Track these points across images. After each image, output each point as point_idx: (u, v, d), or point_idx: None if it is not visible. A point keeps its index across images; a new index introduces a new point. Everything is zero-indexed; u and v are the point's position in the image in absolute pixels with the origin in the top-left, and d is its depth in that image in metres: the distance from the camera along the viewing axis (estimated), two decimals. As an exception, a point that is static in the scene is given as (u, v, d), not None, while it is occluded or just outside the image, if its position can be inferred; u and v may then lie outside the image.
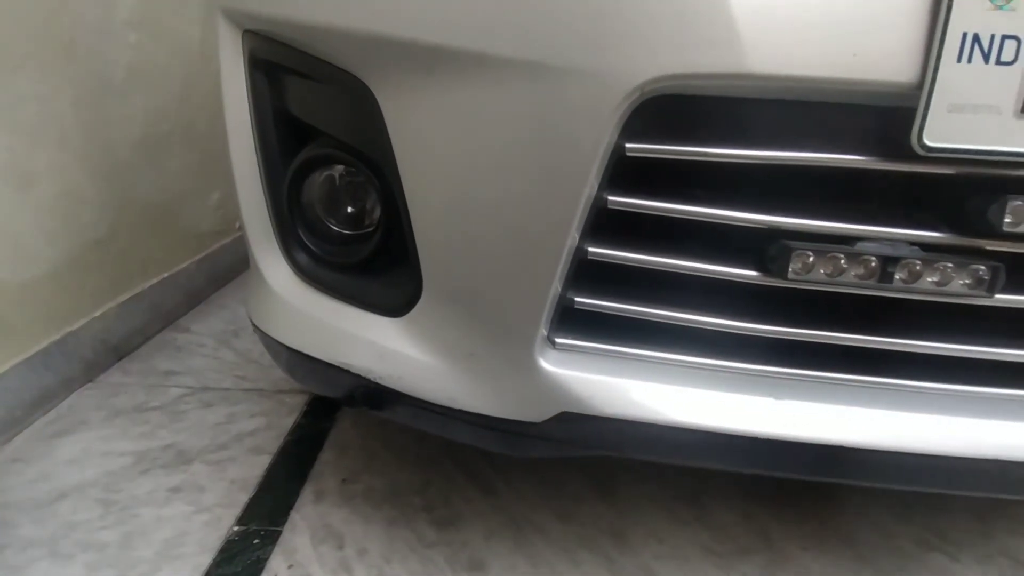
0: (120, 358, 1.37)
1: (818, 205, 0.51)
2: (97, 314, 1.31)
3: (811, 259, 0.50)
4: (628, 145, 0.51)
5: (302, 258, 0.71)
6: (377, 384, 0.66)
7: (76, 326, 1.26)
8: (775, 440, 0.53)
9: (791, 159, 0.49)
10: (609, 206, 0.53)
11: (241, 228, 1.93)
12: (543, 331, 0.58)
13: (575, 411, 0.57)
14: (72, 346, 1.24)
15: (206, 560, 0.86)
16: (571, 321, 0.60)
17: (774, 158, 0.50)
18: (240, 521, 0.93)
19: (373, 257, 0.68)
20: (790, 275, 0.50)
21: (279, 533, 0.91)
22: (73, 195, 1.25)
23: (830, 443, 0.53)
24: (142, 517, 0.93)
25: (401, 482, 1.02)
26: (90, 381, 1.28)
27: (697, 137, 0.51)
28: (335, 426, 1.17)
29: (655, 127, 0.51)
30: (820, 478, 0.61)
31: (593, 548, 0.91)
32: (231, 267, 1.85)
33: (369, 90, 0.59)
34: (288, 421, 1.18)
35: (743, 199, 0.52)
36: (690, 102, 0.49)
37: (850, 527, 0.98)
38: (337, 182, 0.72)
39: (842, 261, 0.50)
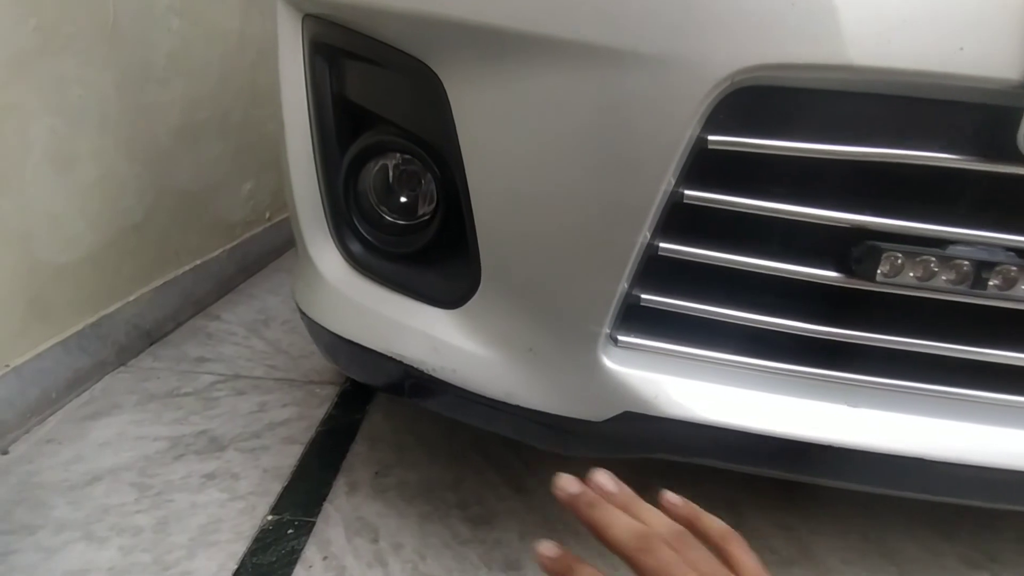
0: (152, 343, 1.38)
1: (909, 205, 0.49)
2: (131, 298, 1.32)
3: (900, 261, 0.48)
4: (711, 138, 0.49)
5: (355, 247, 0.70)
6: (430, 376, 0.64)
7: (111, 309, 1.26)
8: (851, 450, 0.51)
9: (884, 156, 0.47)
10: (685, 201, 0.51)
11: (271, 219, 1.94)
12: (606, 328, 0.57)
13: (638, 411, 0.56)
14: (106, 329, 1.25)
15: (241, 548, 0.85)
16: (633, 319, 0.59)
17: (865, 155, 0.48)
18: (274, 510, 0.92)
19: (429, 247, 0.67)
20: (878, 278, 0.48)
21: (313, 524, 0.90)
22: (113, 179, 1.25)
23: (913, 455, 0.51)
24: (176, 503, 0.93)
25: (433, 477, 1.01)
26: (122, 365, 1.29)
27: (781, 131, 0.49)
28: (366, 418, 1.16)
29: (738, 120, 0.49)
30: (904, 492, 0.59)
31: (630, 553, 0.89)
32: (260, 257, 1.86)
33: (436, 76, 0.57)
34: (319, 412, 1.17)
35: (828, 197, 0.50)
36: (777, 94, 0.48)
37: (894, 543, 0.95)
38: (391, 171, 0.71)
39: (933, 265, 0.48)
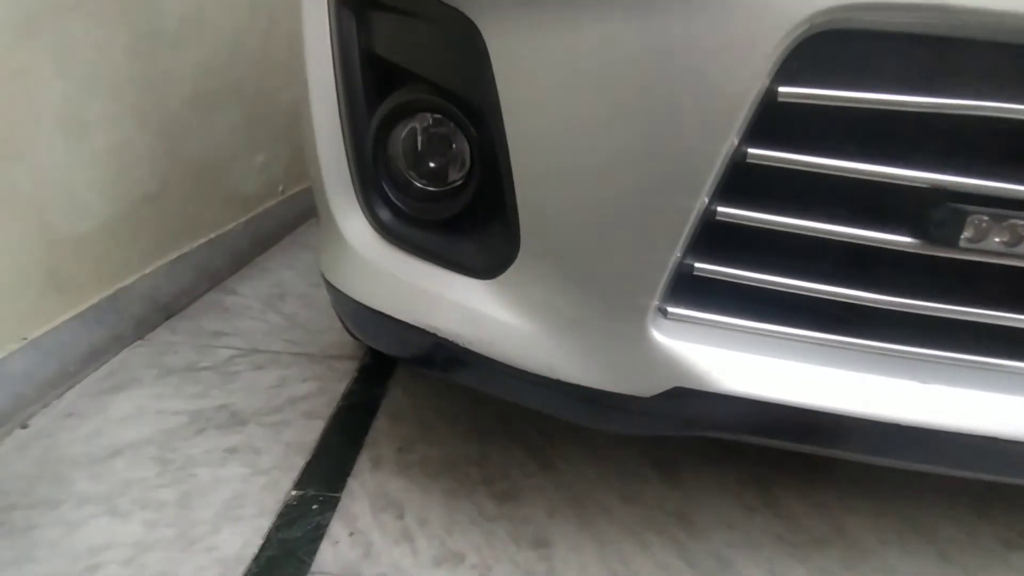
0: (168, 317, 1.36)
1: (996, 165, 0.45)
2: (147, 271, 1.30)
3: (986, 225, 0.44)
4: (782, 89, 0.45)
5: (384, 214, 0.67)
6: (465, 348, 0.62)
7: (127, 282, 1.24)
8: (923, 429, 0.48)
9: (975, 109, 0.43)
10: (748, 160, 0.47)
11: (284, 192, 1.90)
12: (656, 300, 0.53)
13: (690, 387, 0.53)
14: (123, 302, 1.23)
15: (266, 523, 0.84)
16: (684, 289, 0.55)
17: (954, 107, 0.44)
18: (298, 485, 0.91)
19: (463, 214, 0.63)
20: (961, 243, 0.45)
21: (337, 499, 0.89)
22: (126, 148, 1.22)
23: (990, 435, 0.48)
24: (199, 477, 0.91)
25: (457, 453, 1.00)
26: (140, 339, 1.27)
27: (860, 82, 0.45)
28: (387, 394, 1.14)
29: (813, 69, 0.45)
30: (979, 474, 0.56)
31: (661, 531, 0.87)
32: (275, 231, 1.83)
33: (475, 27, 0.53)
34: (340, 387, 1.15)
35: (904, 156, 0.46)
36: (857, 39, 0.43)
37: (931, 522, 0.93)
38: (420, 134, 0.67)
39: (1021, 229, 0.44)
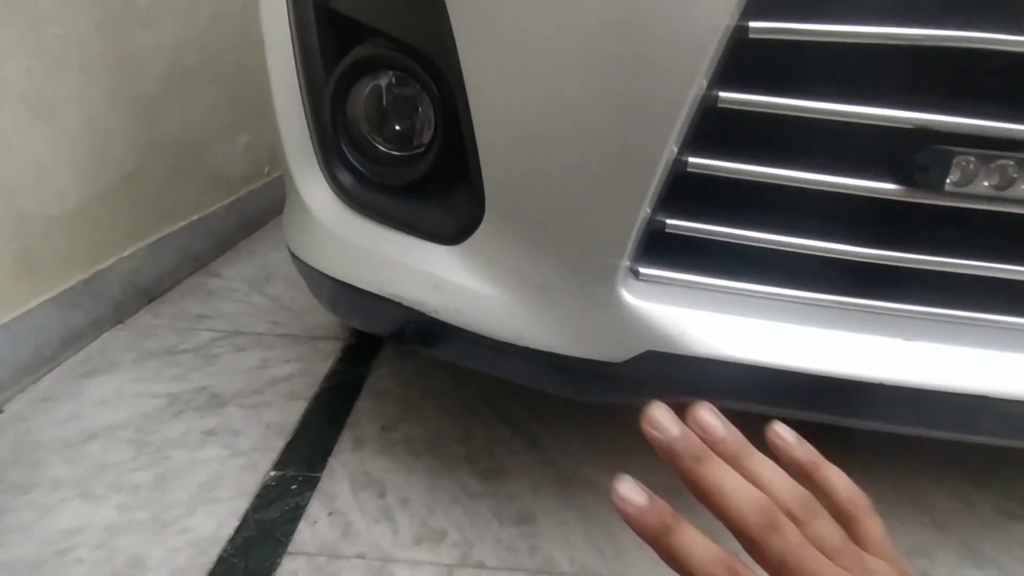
0: (150, 300, 1.33)
1: (982, 103, 0.42)
2: (126, 254, 1.27)
3: (973, 167, 0.41)
4: (753, 25, 0.41)
5: (346, 179, 0.64)
6: (432, 318, 0.59)
7: (104, 265, 1.21)
8: (907, 388, 0.46)
9: (955, 40, 0.40)
10: (719, 105, 0.44)
11: (270, 174, 1.87)
12: (626, 260, 0.50)
13: (663, 350, 0.50)
14: (101, 286, 1.20)
15: (243, 505, 0.82)
16: (656, 249, 0.52)
17: (934, 38, 0.40)
18: (277, 466, 0.89)
19: (427, 178, 0.60)
20: (947, 187, 0.42)
21: (317, 479, 0.87)
22: (98, 126, 1.19)
23: (977, 393, 0.45)
24: (176, 459, 0.89)
25: (442, 432, 0.97)
26: (120, 323, 1.25)
27: (835, 15, 0.41)
28: (371, 373, 1.12)
29: (785, 2, 0.41)
30: (965, 435, 0.54)
31: (648, 506, 0.85)
32: (260, 213, 1.80)
33: (429, -27, 0.50)
34: (323, 367, 1.13)
35: (886, 96, 0.43)
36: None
37: (926, 493, 0.91)
38: (384, 94, 0.64)
39: (1011, 170, 0.41)
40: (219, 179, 1.60)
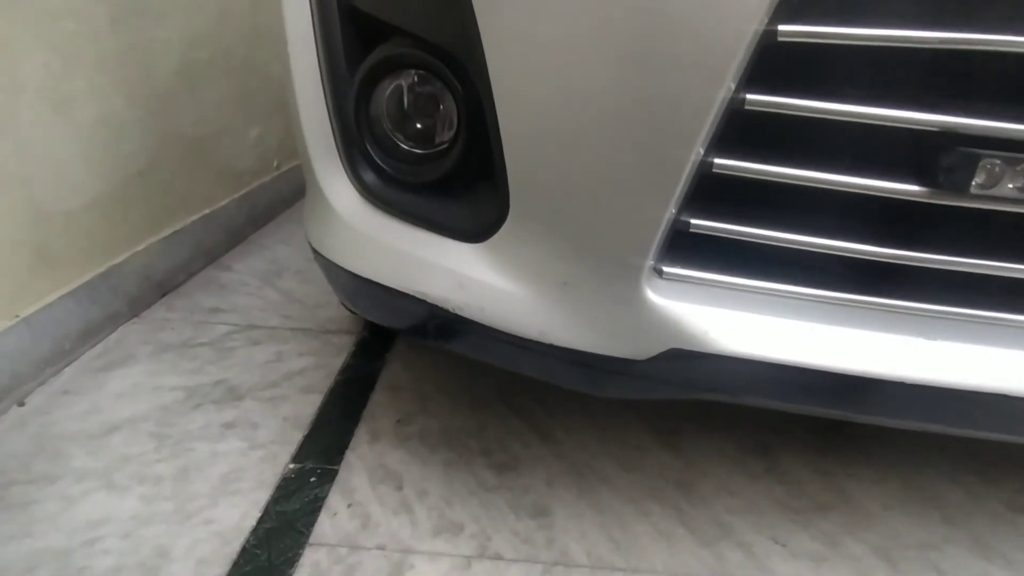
0: (164, 294, 1.35)
1: (1009, 106, 0.42)
2: (140, 248, 1.28)
3: (999, 170, 0.42)
4: (781, 28, 0.42)
5: (370, 177, 0.65)
6: (455, 315, 0.60)
7: (120, 259, 1.23)
8: (928, 387, 0.46)
9: (985, 43, 0.40)
10: (746, 107, 0.45)
11: (279, 167, 1.88)
12: (651, 260, 0.51)
13: (686, 348, 0.51)
14: (116, 280, 1.21)
15: (264, 496, 0.83)
16: (679, 248, 0.53)
17: (963, 41, 0.41)
18: (296, 459, 0.90)
19: (450, 176, 0.61)
20: (972, 190, 0.42)
21: (335, 472, 0.88)
22: (113, 122, 1.20)
23: (998, 392, 0.46)
24: (197, 452, 0.91)
25: (456, 425, 0.99)
26: (135, 316, 1.26)
27: (863, 19, 0.42)
28: (385, 367, 1.13)
29: (812, 6, 0.42)
30: (984, 433, 0.54)
31: (661, 499, 0.86)
32: (270, 207, 1.81)
33: (456, -26, 0.50)
34: (337, 361, 1.14)
35: (911, 99, 0.43)
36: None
37: (935, 488, 0.92)
38: (406, 93, 0.65)
39: (1037, 173, 0.42)
40: (229, 173, 1.61)
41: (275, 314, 1.30)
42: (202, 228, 1.48)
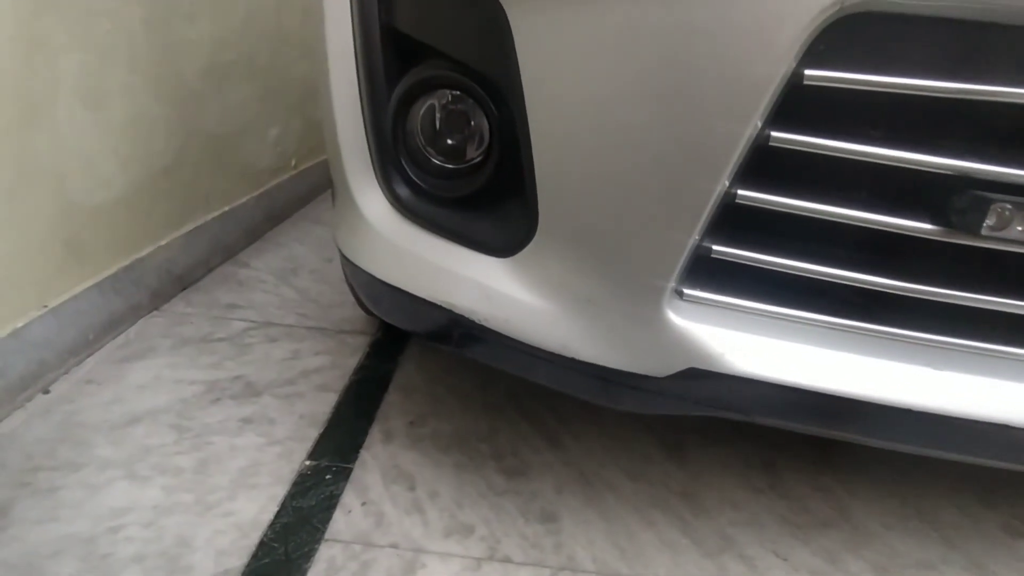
0: (184, 288, 1.37)
1: (1019, 152, 0.45)
2: (163, 243, 1.31)
3: (1009, 214, 0.44)
4: (808, 72, 0.45)
5: (403, 191, 0.67)
6: (481, 325, 0.62)
7: (143, 253, 1.25)
8: (933, 415, 0.49)
9: (1003, 96, 0.43)
10: (771, 143, 0.47)
11: (296, 166, 1.91)
12: (672, 282, 0.54)
13: (704, 368, 0.53)
14: (139, 273, 1.24)
15: (281, 491, 0.86)
16: (701, 272, 0.56)
17: (981, 92, 0.43)
18: (312, 456, 0.93)
19: (481, 192, 0.64)
20: (984, 231, 0.45)
21: (350, 470, 0.91)
22: (143, 119, 1.23)
23: (1000, 422, 0.48)
24: (216, 445, 0.93)
25: (468, 428, 1.01)
26: (156, 309, 1.29)
27: (888, 66, 0.44)
28: (399, 369, 1.16)
29: (840, 52, 0.44)
30: (987, 461, 0.57)
31: (666, 509, 0.89)
32: (287, 205, 1.83)
33: (498, 2, 0.53)
34: (352, 361, 1.17)
35: (927, 142, 0.46)
36: (887, 23, 0.43)
37: (934, 508, 0.94)
38: (439, 111, 0.67)
39: (1045, 218, 0.44)
40: (249, 171, 1.64)
41: (291, 312, 1.33)
42: (221, 225, 1.50)
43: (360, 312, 1.30)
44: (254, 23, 1.57)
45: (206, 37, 1.39)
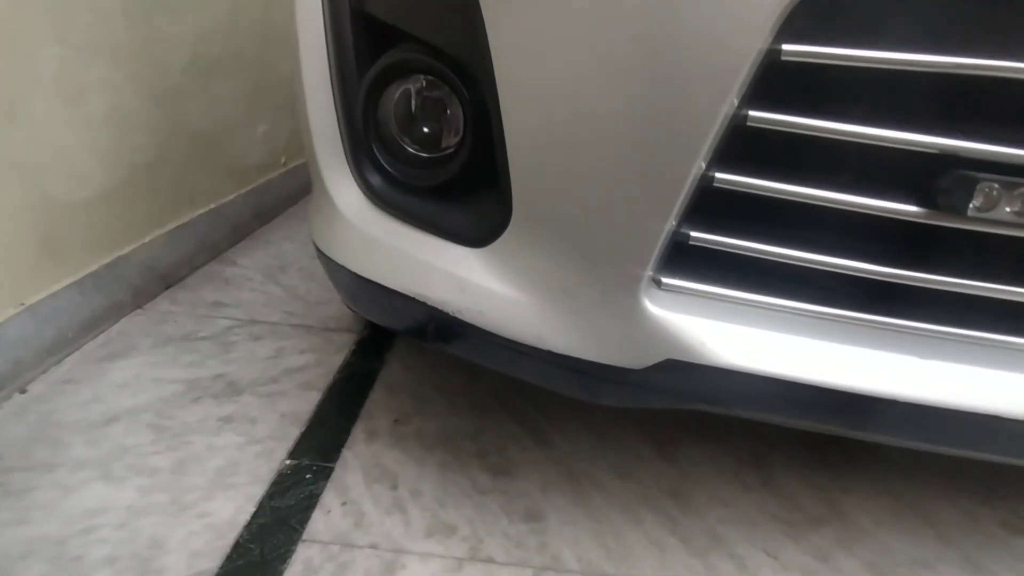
0: (168, 287, 1.35)
1: (1008, 130, 0.43)
2: (146, 240, 1.29)
3: (996, 193, 0.42)
4: (786, 48, 0.43)
5: (375, 180, 0.65)
6: (455, 318, 0.60)
7: (125, 251, 1.24)
8: (920, 405, 0.47)
9: (988, 69, 0.41)
10: (749, 123, 0.45)
11: (286, 164, 1.89)
12: (650, 271, 0.52)
13: (683, 359, 0.51)
14: (122, 271, 1.22)
15: (259, 491, 0.84)
16: (678, 259, 0.54)
17: (965, 66, 0.41)
18: (292, 455, 0.91)
19: (455, 181, 0.62)
20: (970, 212, 0.43)
21: (331, 469, 0.89)
22: (124, 114, 1.21)
23: (989, 413, 0.46)
24: (194, 445, 0.91)
25: (453, 427, 0.99)
26: (139, 308, 1.27)
27: (868, 40, 0.42)
28: (384, 367, 1.14)
29: (818, 26, 0.42)
30: (974, 453, 0.55)
31: (655, 507, 0.87)
32: (276, 203, 1.82)
33: (467, -17, 0.51)
34: (337, 359, 1.15)
35: (911, 120, 0.44)
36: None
37: (930, 505, 0.92)
38: (414, 97, 0.66)
39: (1034, 198, 0.42)
40: (237, 168, 1.62)
41: (277, 310, 1.31)
42: (208, 222, 1.49)
43: (347, 310, 1.28)
44: (241, 16, 1.55)
45: (190, 31, 1.37)
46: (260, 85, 1.66)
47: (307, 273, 1.49)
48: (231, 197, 1.59)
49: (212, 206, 1.51)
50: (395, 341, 1.21)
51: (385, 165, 0.65)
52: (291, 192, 1.90)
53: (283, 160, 1.86)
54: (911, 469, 0.98)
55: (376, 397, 1.05)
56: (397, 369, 1.13)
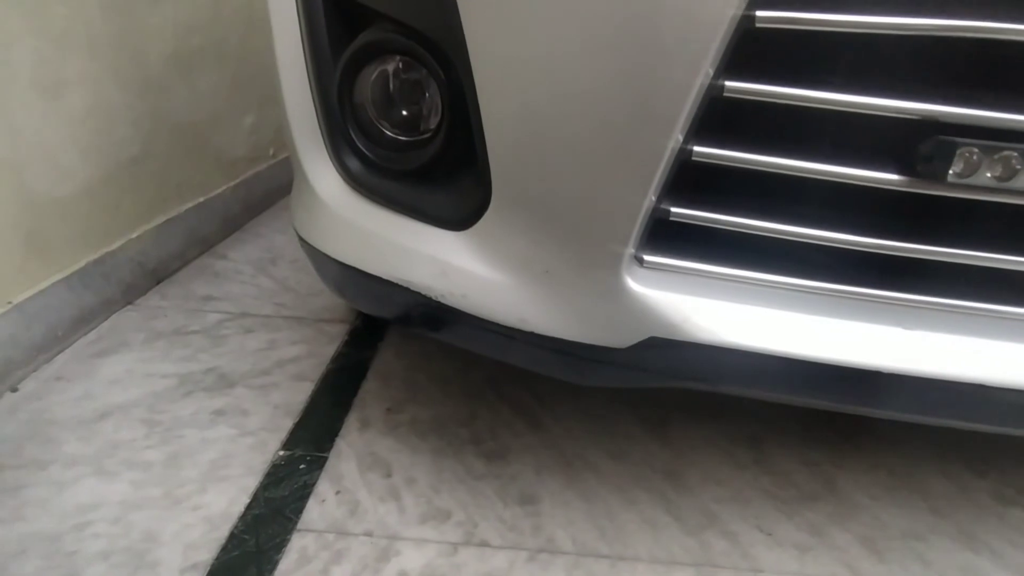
0: (158, 282, 1.35)
1: (987, 93, 0.42)
2: (134, 236, 1.28)
3: (976, 158, 0.41)
4: (759, 14, 0.42)
5: (354, 164, 0.64)
6: (438, 303, 0.60)
7: (113, 247, 1.23)
8: (905, 376, 0.46)
9: (966, 30, 0.40)
10: (725, 94, 0.45)
11: (275, 156, 1.87)
12: (631, 248, 0.51)
13: (666, 337, 0.51)
14: (110, 267, 1.21)
15: (253, 483, 0.84)
16: (660, 236, 0.53)
17: (943, 27, 0.40)
18: (285, 446, 0.91)
19: (434, 163, 0.61)
20: (950, 178, 0.42)
21: (325, 459, 0.89)
22: (105, 108, 1.19)
23: (974, 382, 0.46)
24: (187, 438, 0.91)
25: (446, 414, 0.99)
26: (129, 303, 1.26)
27: (844, 5, 0.41)
28: (377, 356, 1.13)
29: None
30: (961, 423, 0.54)
31: (649, 488, 0.87)
32: (266, 195, 1.80)
33: (437, -42, 0.50)
34: (329, 349, 1.15)
35: (890, 86, 0.43)
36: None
37: (923, 479, 0.92)
38: (391, 79, 0.64)
39: (1015, 161, 0.41)
40: (224, 160, 1.61)
41: (269, 302, 1.31)
42: (196, 216, 1.47)
43: (339, 300, 1.27)
44: (223, 6, 1.53)
45: (170, 21, 1.35)
46: (245, 76, 1.64)
47: (298, 265, 1.48)
48: (220, 190, 1.57)
49: (200, 199, 1.50)
50: (388, 331, 1.21)
51: (363, 149, 0.64)
52: (281, 184, 1.89)
53: (272, 151, 1.85)
54: (904, 442, 0.98)
55: (369, 386, 1.05)
56: (390, 358, 1.13)
